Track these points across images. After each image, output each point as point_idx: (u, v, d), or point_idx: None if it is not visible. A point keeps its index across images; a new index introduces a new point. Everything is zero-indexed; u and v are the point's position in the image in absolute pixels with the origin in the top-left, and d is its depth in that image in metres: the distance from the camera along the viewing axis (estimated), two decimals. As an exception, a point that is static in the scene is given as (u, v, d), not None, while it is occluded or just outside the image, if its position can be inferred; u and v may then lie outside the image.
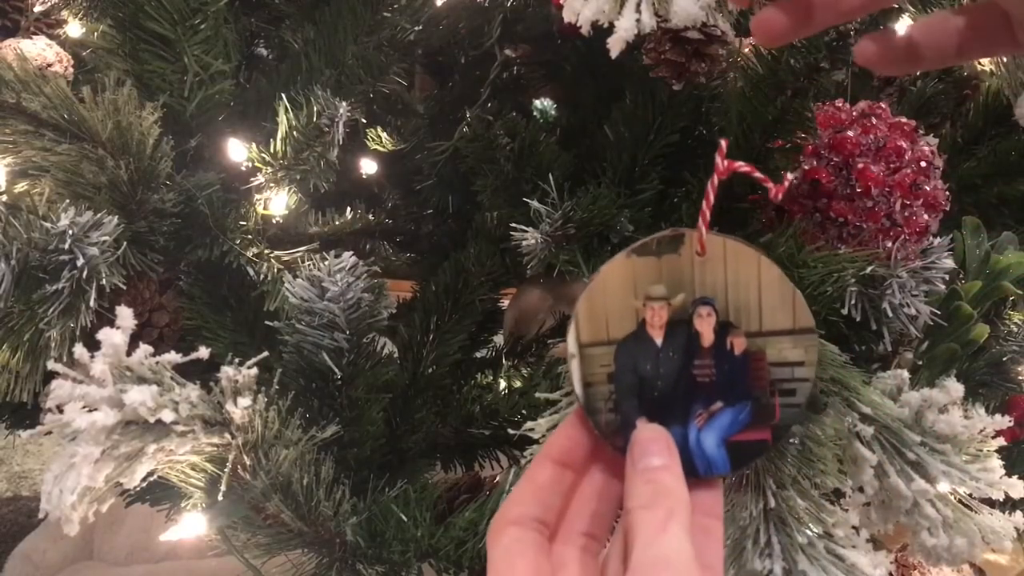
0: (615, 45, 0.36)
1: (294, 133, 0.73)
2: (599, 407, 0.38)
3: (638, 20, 0.35)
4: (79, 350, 0.44)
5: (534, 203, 0.66)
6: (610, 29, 0.38)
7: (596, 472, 0.37)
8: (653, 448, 0.35)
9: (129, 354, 0.46)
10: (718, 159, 0.36)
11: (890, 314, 0.59)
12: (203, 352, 0.47)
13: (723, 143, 0.36)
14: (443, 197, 1.00)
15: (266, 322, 0.71)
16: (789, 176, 0.40)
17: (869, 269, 0.60)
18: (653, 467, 0.34)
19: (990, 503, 0.56)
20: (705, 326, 0.38)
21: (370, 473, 0.72)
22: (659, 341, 0.38)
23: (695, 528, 0.32)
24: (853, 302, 0.60)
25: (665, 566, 0.30)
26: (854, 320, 0.61)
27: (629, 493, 0.34)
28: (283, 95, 0.74)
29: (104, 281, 0.59)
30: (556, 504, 0.35)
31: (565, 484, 0.36)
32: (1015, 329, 0.80)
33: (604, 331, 0.38)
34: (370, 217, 1.10)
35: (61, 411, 0.44)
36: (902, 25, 0.89)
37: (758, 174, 0.37)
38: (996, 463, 0.54)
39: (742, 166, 0.37)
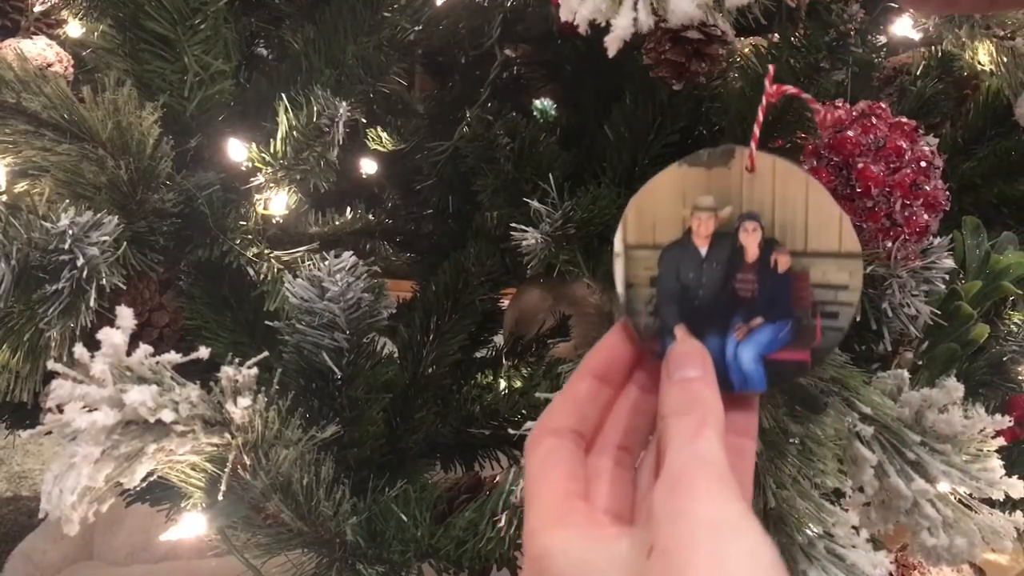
0: (612, 44, 0.36)
1: (294, 133, 0.73)
2: (639, 309, 0.38)
3: (635, 19, 0.35)
4: (79, 350, 0.44)
5: (534, 203, 0.66)
6: (603, 31, 0.38)
7: (633, 388, 0.37)
8: (689, 361, 0.35)
9: (129, 354, 0.46)
10: (767, 82, 0.36)
11: (890, 314, 0.59)
12: (203, 352, 0.47)
13: (771, 68, 0.37)
14: (443, 197, 1.00)
15: (266, 322, 0.71)
16: (839, 104, 0.40)
17: (869, 269, 0.60)
18: (688, 378, 0.34)
19: (990, 503, 0.56)
20: (750, 241, 0.38)
21: (370, 473, 0.72)
22: (704, 251, 0.38)
23: (728, 448, 0.32)
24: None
25: (698, 466, 0.30)
26: (854, 320, 0.61)
27: (663, 402, 0.34)
28: (283, 95, 0.74)
29: (104, 281, 0.59)
30: (593, 417, 0.36)
31: (603, 398, 0.37)
32: (1015, 329, 0.80)
33: (651, 235, 0.39)
34: (370, 217, 1.10)
35: (61, 411, 0.44)
36: (902, 25, 0.89)
37: (805, 95, 0.38)
38: (996, 463, 0.54)
39: (790, 89, 0.37)
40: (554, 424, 0.36)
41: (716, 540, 0.28)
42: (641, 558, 0.29)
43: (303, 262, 0.79)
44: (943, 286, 0.63)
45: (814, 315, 0.38)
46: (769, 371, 0.38)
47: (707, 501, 0.29)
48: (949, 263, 0.62)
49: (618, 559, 0.30)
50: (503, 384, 0.94)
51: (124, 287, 0.64)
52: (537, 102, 0.89)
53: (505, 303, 1.02)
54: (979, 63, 0.67)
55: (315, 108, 0.72)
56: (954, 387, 0.55)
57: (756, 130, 0.37)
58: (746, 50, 0.72)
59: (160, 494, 0.73)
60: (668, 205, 0.39)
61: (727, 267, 0.38)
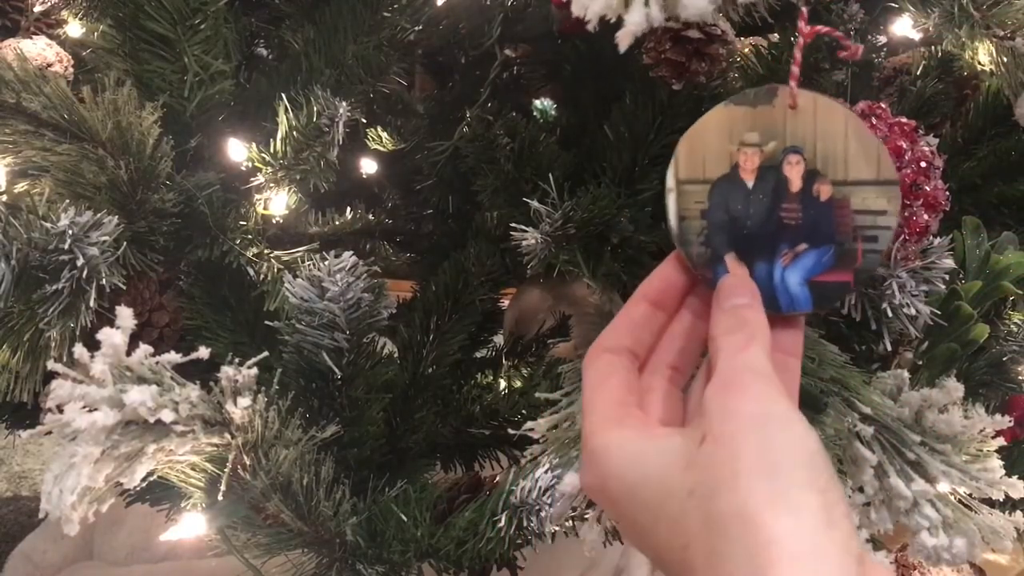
0: (624, 39, 0.36)
1: (294, 133, 0.73)
2: (692, 240, 0.41)
3: (647, 14, 0.36)
4: (79, 350, 0.44)
5: (534, 203, 0.66)
6: (608, 29, 0.38)
7: (686, 314, 0.40)
8: (738, 290, 0.37)
9: (129, 354, 0.46)
10: (801, 24, 0.39)
11: (890, 314, 0.59)
12: (203, 352, 0.47)
13: (804, 9, 0.39)
14: (443, 197, 1.00)
15: (266, 322, 0.71)
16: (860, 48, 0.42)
17: (869, 269, 0.60)
18: (737, 304, 0.37)
19: (990, 503, 0.56)
20: (794, 172, 0.40)
21: (370, 473, 0.72)
22: (750, 184, 0.41)
23: (774, 363, 0.34)
24: (853, 302, 0.60)
25: (747, 371, 0.33)
26: (854, 320, 0.61)
27: (714, 325, 0.36)
28: (283, 95, 0.74)
29: (104, 281, 0.59)
30: (647, 340, 0.39)
31: (657, 323, 0.39)
32: (1015, 329, 0.80)
33: (701, 170, 0.41)
34: (370, 217, 1.10)
35: (61, 411, 0.44)
36: (902, 25, 0.89)
37: (837, 32, 0.40)
38: (996, 463, 0.54)
39: (823, 28, 0.40)
40: (610, 343, 0.38)
41: (764, 430, 0.30)
42: (693, 447, 0.31)
43: (303, 262, 0.79)
44: (943, 286, 0.63)
45: (855, 239, 0.40)
46: (814, 292, 0.40)
47: (755, 398, 0.32)
48: (949, 263, 0.62)
49: (671, 451, 0.32)
50: (503, 384, 0.94)
51: (124, 287, 0.64)
52: (537, 102, 0.89)
53: (505, 303, 1.02)
54: (979, 63, 0.67)
55: (315, 108, 0.72)
56: (954, 387, 0.55)
57: (795, 69, 0.39)
58: (746, 50, 0.72)
59: (160, 494, 0.73)
60: (716, 142, 0.41)
61: (773, 198, 0.40)
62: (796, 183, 0.40)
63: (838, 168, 0.40)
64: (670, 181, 0.41)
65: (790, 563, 0.26)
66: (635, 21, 0.36)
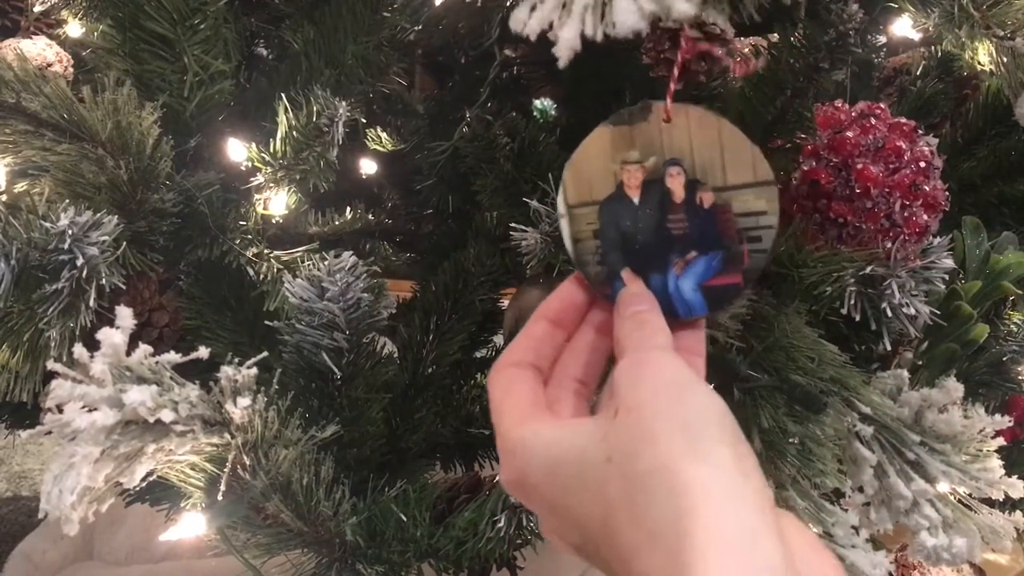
0: (562, 55, 0.37)
1: (294, 133, 0.73)
2: (588, 260, 0.42)
3: (582, 31, 0.36)
4: (79, 350, 0.44)
5: (534, 203, 0.66)
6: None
7: (588, 329, 0.41)
8: (637, 300, 0.39)
9: (129, 354, 0.46)
10: (683, 41, 0.41)
11: (890, 314, 0.59)
12: (203, 352, 0.47)
13: (686, 27, 0.41)
14: (443, 197, 1.00)
15: (266, 322, 0.71)
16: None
17: (869, 269, 0.60)
18: (638, 311, 0.39)
19: (990, 503, 0.56)
20: (676, 184, 0.42)
21: (370, 473, 0.72)
22: (636, 199, 0.43)
23: None
24: (853, 302, 0.60)
25: (654, 350, 0.35)
26: (854, 320, 0.61)
27: (618, 331, 0.38)
28: (283, 95, 0.74)
29: (104, 281, 0.59)
30: (549, 355, 0.40)
31: (557, 339, 0.41)
32: (1015, 329, 0.80)
33: (588, 193, 0.43)
34: (370, 217, 1.10)
35: (61, 411, 0.44)
36: (902, 25, 0.89)
37: (717, 51, 0.43)
38: (996, 463, 0.54)
39: (703, 46, 0.43)
40: (513, 358, 0.40)
41: (676, 394, 0.31)
42: (607, 423, 0.32)
43: (303, 262, 0.79)
44: (943, 286, 0.63)
45: (740, 242, 0.42)
46: (708, 297, 0.42)
47: (664, 367, 0.33)
48: (949, 263, 0.62)
49: (585, 430, 0.33)
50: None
51: (124, 287, 0.64)
52: (537, 102, 0.89)
53: (505, 303, 1.01)
54: (979, 63, 0.67)
55: (315, 108, 0.72)
56: (954, 387, 0.55)
57: (671, 84, 0.41)
58: (746, 50, 0.72)
59: (160, 494, 0.73)
60: (600, 163, 0.43)
61: (659, 211, 0.42)
62: (679, 194, 0.42)
63: (716, 175, 0.41)
64: (561, 207, 0.43)
65: (709, 502, 0.27)
66: (568, 38, 0.36)
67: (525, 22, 0.38)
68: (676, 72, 0.42)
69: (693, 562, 0.26)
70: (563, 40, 0.36)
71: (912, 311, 0.59)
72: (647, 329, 0.37)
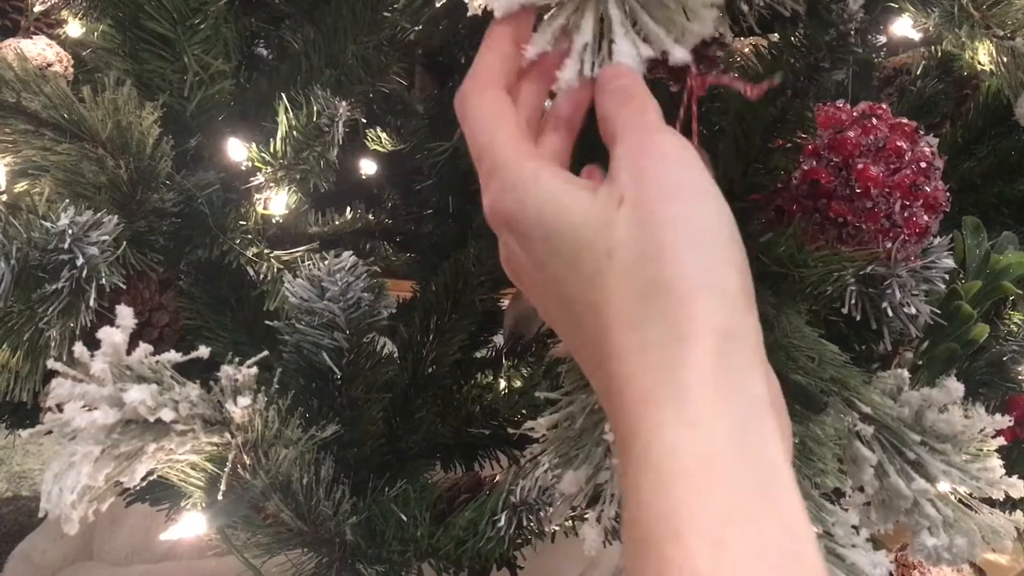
0: (560, 93, 0.38)
1: (294, 133, 0.73)
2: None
3: (580, 71, 0.37)
4: (79, 349, 0.44)
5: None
6: None
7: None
8: (619, 74, 0.36)
9: (129, 353, 0.46)
10: (690, 80, 0.40)
11: (890, 314, 0.59)
12: (203, 352, 0.47)
13: (693, 65, 0.39)
14: (443, 197, 1.00)
15: (266, 322, 0.71)
16: (764, 84, 0.43)
17: (869, 269, 0.60)
18: (622, 84, 0.35)
19: (990, 503, 0.56)
20: None
21: (370, 473, 0.72)
22: None
23: None
24: (853, 302, 0.60)
25: (656, 133, 0.32)
26: (854, 320, 0.61)
27: (604, 105, 0.35)
28: (283, 95, 0.74)
29: (104, 281, 0.59)
30: (514, 83, 0.37)
31: (517, 65, 0.37)
32: (1015, 329, 0.80)
33: None
34: (370, 217, 1.10)
35: (61, 410, 0.44)
36: (902, 25, 0.89)
37: (733, 83, 0.41)
38: (996, 463, 0.54)
39: (715, 78, 0.41)
40: (493, 79, 0.36)
41: (687, 201, 0.29)
42: (611, 207, 0.30)
43: (303, 262, 0.79)
44: (943, 286, 0.63)
45: None
46: None
47: (672, 163, 0.31)
48: (949, 263, 0.62)
49: (587, 204, 0.31)
50: (503, 384, 0.94)
51: (124, 287, 0.64)
52: (537, 102, 0.89)
53: (505, 303, 1.02)
54: (979, 63, 0.67)
55: (315, 108, 0.72)
56: (954, 387, 0.55)
57: (693, 124, 0.41)
58: (746, 50, 0.72)
59: (160, 494, 0.73)
60: None
61: None
62: None
63: None
64: None
65: (712, 335, 0.27)
66: (568, 79, 0.37)
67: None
68: (693, 106, 0.41)
69: (683, 387, 0.26)
70: (562, 80, 0.37)
71: (912, 311, 0.59)
72: (634, 105, 0.34)
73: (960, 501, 0.56)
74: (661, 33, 0.36)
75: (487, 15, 0.40)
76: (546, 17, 0.38)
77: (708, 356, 0.27)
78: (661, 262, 0.28)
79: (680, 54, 0.36)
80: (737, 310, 0.28)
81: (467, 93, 0.36)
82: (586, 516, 0.52)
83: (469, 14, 0.41)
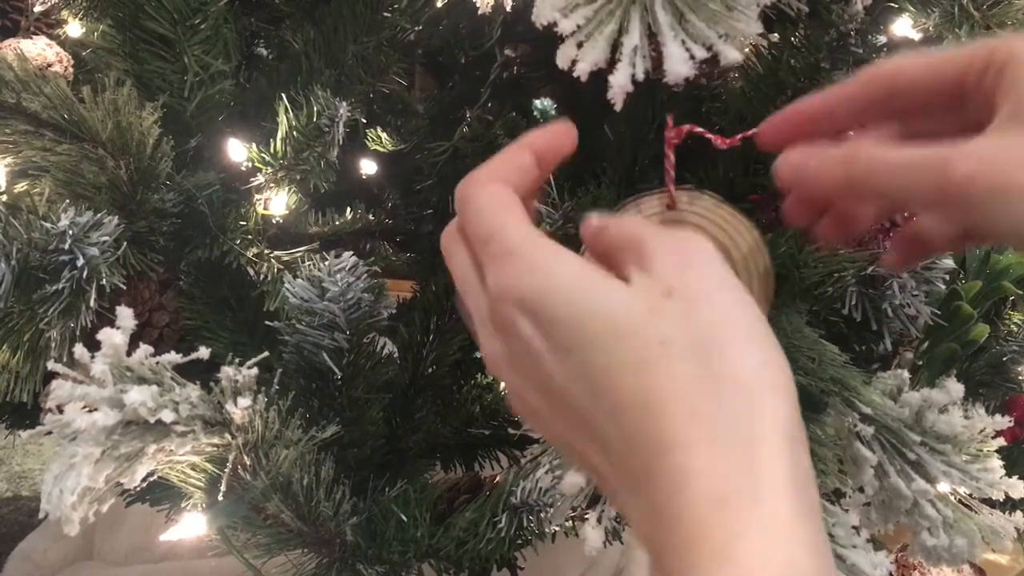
0: (618, 99, 0.38)
1: (294, 133, 0.73)
2: None
3: (632, 75, 0.37)
4: (79, 350, 0.44)
5: (534, 203, 0.66)
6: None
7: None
8: (595, 224, 0.35)
9: (129, 354, 0.46)
10: (668, 132, 0.40)
11: (890, 314, 0.59)
12: (203, 352, 0.47)
13: (669, 118, 0.40)
14: (443, 197, 1.00)
15: (266, 322, 0.71)
16: (736, 137, 0.43)
17: (870, 269, 0.60)
18: (605, 229, 0.34)
19: (990, 503, 0.56)
20: None
21: (370, 473, 0.72)
22: None
23: None
24: (853, 302, 0.60)
25: (690, 240, 0.32)
26: (854, 320, 0.61)
27: (601, 252, 0.34)
28: (283, 95, 0.74)
29: (104, 281, 0.59)
30: (527, 191, 0.36)
31: (534, 178, 0.37)
32: (1015, 329, 0.80)
33: None
34: (370, 217, 1.10)
35: (61, 411, 0.44)
36: (902, 25, 0.89)
37: (698, 129, 0.41)
38: (996, 463, 0.54)
39: (690, 127, 0.41)
40: (502, 178, 0.35)
41: (731, 299, 0.29)
42: (657, 298, 0.29)
43: (303, 262, 0.79)
44: (943, 286, 0.63)
45: None
46: None
47: (712, 259, 0.31)
48: (949, 263, 0.62)
49: (623, 295, 0.30)
50: (503, 384, 0.94)
51: (124, 287, 0.64)
52: (537, 102, 0.89)
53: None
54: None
55: (315, 108, 0.72)
56: (954, 387, 0.55)
57: (671, 171, 0.41)
58: (746, 50, 0.72)
59: (160, 494, 0.73)
60: None
61: None
62: None
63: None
64: None
65: (783, 439, 0.27)
66: (621, 84, 0.37)
67: (573, 58, 0.38)
68: (671, 157, 0.42)
69: (763, 493, 0.26)
70: (617, 86, 0.37)
71: (913, 311, 0.59)
72: (624, 227, 0.33)
73: (960, 501, 0.56)
74: (712, 35, 0.36)
75: (487, 15, 0.39)
76: (590, 22, 0.38)
77: (783, 464, 0.27)
78: (724, 356, 0.28)
79: (732, 54, 0.36)
80: (795, 408, 0.28)
81: (470, 182, 0.35)
82: (586, 516, 0.52)
83: (480, 11, 0.41)
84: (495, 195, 0.34)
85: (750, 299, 0.30)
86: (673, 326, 0.29)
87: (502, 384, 0.94)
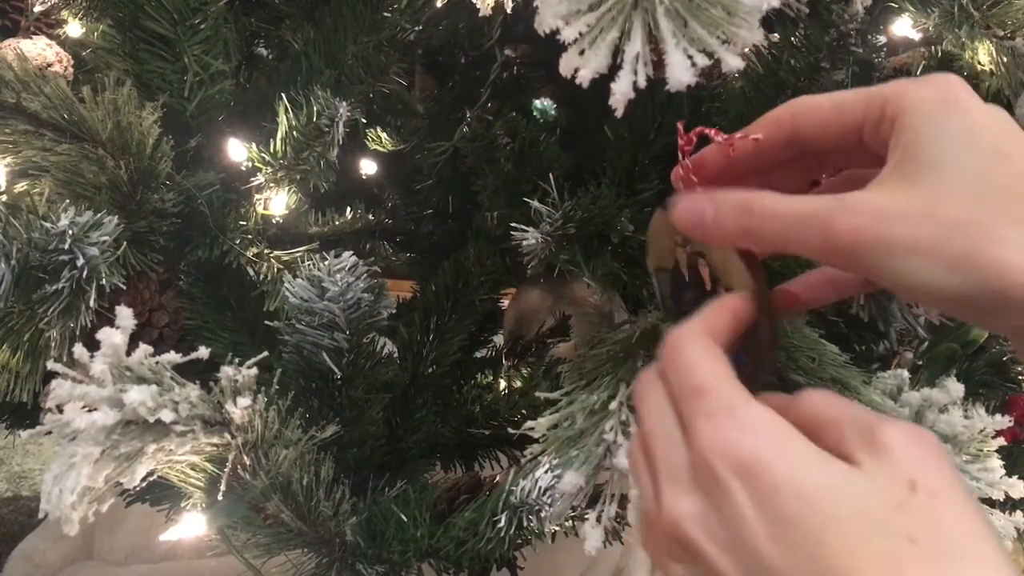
0: (619, 105, 0.38)
1: (294, 133, 0.73)
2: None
3: (634, 82, 0.37)
4: (79, 350, 0.44)
5: (534, 203, 0.66)
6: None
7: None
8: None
9: (129, 354, 0.46)
10: (680, 141, 0.41)
11: (897, 315, 0.59)
12: (203, 352, 0.47)
13: (680, 125, 0.41)
14: (443, 197, 1.00)
15: (266, 322, 0.71)
16: (737, 136, 0.44)
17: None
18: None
19: (990, 503, 0.56)
20: (704, 273, 0.44)
21: (370, 473, 0.72)
22: (687, 277, 0.45)
23: None
24: (861, 303, 0.60)
25: (890, 424, 0.30)
26: (854, 320, 0.61)
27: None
28: (283, 95, 0.74)
29: (104, 281, 0.59)
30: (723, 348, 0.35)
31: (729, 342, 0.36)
32: (1015, 329, 0.80)
33: (659, 261, 0.46)
34: (370, 217, 1.10)
35: (61, 411, 0.44)
36: (902, 25, 0.89)
37: (718, 134, 0.41)
38: (996, 463, 0.54)
39: (700, 129, 0.42)
40: (711, 332, 0.34)
41: (966, 494, 0.28)
42: (902, 490, 0.28)
43: (303, 262, 0.79)
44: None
45: None
46: None
47: (943, 454, 0.29)
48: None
49: (860, 476, 0.28)
50: (503, 384, 0.94)
51: (124, 287, 0.64)
52: (537, 102, 0.89)
53: (505, 303, 1.02)
54: (979, 63, 0.67)
55: (315, 108, 0.72)
56: (954, 387, 0.55)
57: (694, 180, 0.41)
58: (746, 50, 0.72)
59: (160, 494, 0.73)
60: (662, 238, 0.45)
61: (697, 291, 0.44)
62: (708, 282, 0.44)
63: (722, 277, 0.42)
64: (650, 267, 0.46)
65: None
66: (623, 91, 0.37)
67: (575, 67, 0.38)
68: (687, 162, 0.42)
69: None
70: (619, 93, 0.37)
71: (917, 311, 0.59)
72: (845, 408, 0.31)
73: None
74: (714, 42, 0.36)
75: (487, 15, 0.40)
76: (593, 29, 0.38)
77: None
78: (968, 566, 0.27)
79: (734, 62, 0.36)
80: None
81: (682, 336, 0.34)
82: (586, 516, 0.51)
83: (481, 14, 0.41)
84: (708, 350, 0.33)
85: (978, 502, 0.29)
86: (922, 524, 0.27)
87: (502, 384, 0.94)
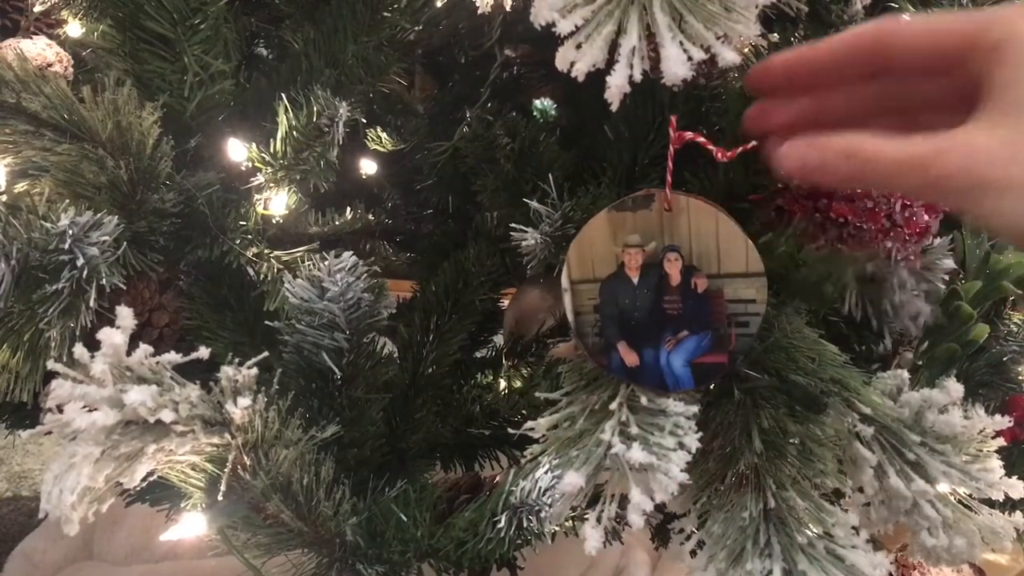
0: (614, 99, 0.38)
1: (294, 133, 0.73)
2: (587, 331, 0.47)
3: (630, 76, 0.37)
4: (79, 350, 0.44)
5: (534, 203, 0.66)
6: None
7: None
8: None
9: (129, 354, 0.46)
10: (671, 132, 0.43)
11: (891, 313, 0.59)
12: (203, 352, 0.47)
13: (673, 119, 0.43)
14: (443, 197, 1.00)
15: (266, 322, 0.71)
16: (737, 149, 0.44)
17: (870, 269, 0.60)
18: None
19: (990, 503, 0.56)
20: (673, 268, 0.45)
21: (370, 473, 0.72)
22: (635, 280, 0.46)
23: None
24: (854, 302, 0.60)
25: None
26: (854, 320, 0.61)
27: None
28: (283, 95, 0.74)
29: (104, 281, 0.59)
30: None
31: None
32: (1015, 329, 0.80)
33: (591, 271, 0.47)
34: (370, 217, 1.10)
35: (61, 411, 0.44)
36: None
37: (707, 143, 0.43)
38: (996, 463, 0.54)
39: (691, 135, 0.43)
40: None
41: None
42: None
43: (303, 262, 0.79)
44: (943, 286, 0.63)
45: (729, 325, 0.46)
46: (696, 372, 0.46)
47: None
48: (949, 263, 0.62)
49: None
50: (503, 384, 0.94)
51: (124, 287, 0.64)
52: (537, 102, 0.89)
53: (505, 303, 1.02)
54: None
55: (315, 108, 0.72)
56: (954, 387, 0.55)
57: (669, 177, 0.43)
58: (746, 50, 0.72)
59: (160, 494, 0.73)
60: (601, 244, 0.46)
61: (656, 292, 0.46)
62: (675, 278, 0.45)
63: (712, 263, 0.44)
64: (564, 282, 0.47)
65: None
66: (619, 84, 0.38)
67: (571, 60, 0.39)
68: (670, 162, 0.44)
69: None
70: (614, 86, 0.37)
71: (914, 309, 0.59)
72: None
73: (960, 502, 0.56)
74: (710, 36, 0.36)
75: (487, 15, 0.40)
76: (589, 23, 0.38)
77: None
78: None
79: (730, 56, 0.36)
80: None
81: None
82: (586, 516, 0.52)
83: (480, 11, 0.41)
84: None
85: None
86: None
87: (502, 384, 0.94)
